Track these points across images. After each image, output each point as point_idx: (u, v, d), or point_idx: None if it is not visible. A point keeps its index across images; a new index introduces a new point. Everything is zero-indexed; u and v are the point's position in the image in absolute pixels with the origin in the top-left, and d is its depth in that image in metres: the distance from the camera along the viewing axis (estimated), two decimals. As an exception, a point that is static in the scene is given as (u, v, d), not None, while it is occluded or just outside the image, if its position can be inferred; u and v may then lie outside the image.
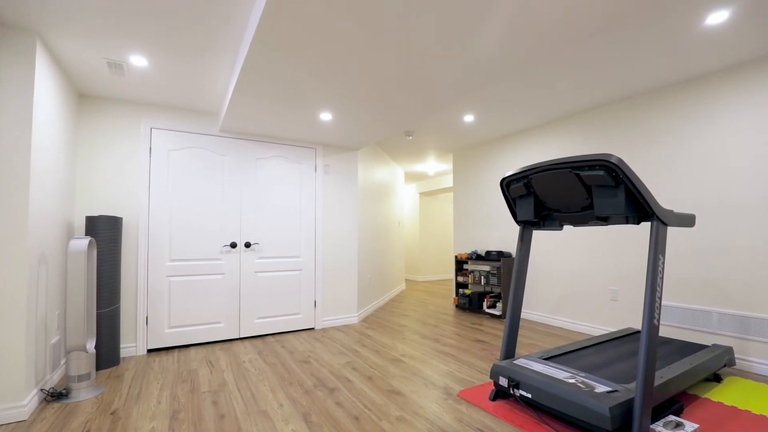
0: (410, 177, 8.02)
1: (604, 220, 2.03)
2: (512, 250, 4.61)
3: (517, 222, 2.44)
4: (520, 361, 2.23)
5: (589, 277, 3.78)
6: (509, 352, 2.36)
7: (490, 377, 2.24)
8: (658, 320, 1.76)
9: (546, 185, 2.08)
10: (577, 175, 1.91)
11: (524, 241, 2.42)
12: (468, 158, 5.35)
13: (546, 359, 2.36)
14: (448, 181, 7.45)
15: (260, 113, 3.13)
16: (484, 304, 4.66)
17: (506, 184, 2.32)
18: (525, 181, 2.18)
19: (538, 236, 4.32)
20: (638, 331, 3.07)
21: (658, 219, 1.82)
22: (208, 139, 3.55)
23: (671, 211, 1.89)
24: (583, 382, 1.90)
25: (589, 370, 2.17)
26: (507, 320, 2.37)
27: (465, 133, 4.62)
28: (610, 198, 1.85)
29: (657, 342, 1.74)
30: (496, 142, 4.89)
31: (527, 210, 2.27)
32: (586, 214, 2.06)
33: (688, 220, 2.01)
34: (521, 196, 2.29)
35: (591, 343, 2.71)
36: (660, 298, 1.77)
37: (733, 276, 2.82)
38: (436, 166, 6.77)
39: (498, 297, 4.68)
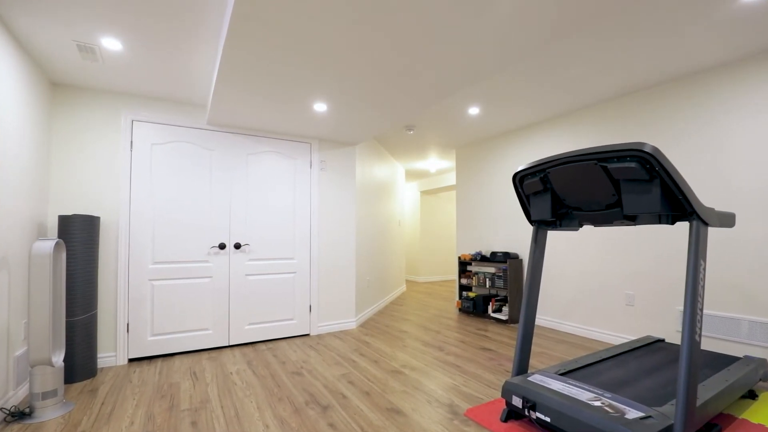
0: (411, 175, 7.77)
1: (632, 220, 1.79)
2: (519, 251, 4.36)
3: (531, 222, 2.20)
4: (536, 378, 1.99)
5: (603, 279, 3.54)
6: (522, 366, 2.11)
7: (502, 395, 2.00)
8: (700, 335, 1.52)
9: (566, 180, 1.83)
10: (604, 168, 1.67)
11: (538, 243, 2.17)
12: (472, 155, 5.10)
13: (563, 374, 2.12)
14: (450, 179, 7.21)
15: (248, 104, 2.88)
16: (489, 308, 4.42)
17: (519, 180, 2.08)
18: (541, 175, 1.93)
19: (547, 234, 4.08)
20: (659, 340, 2.83)
21: (699, 218, 1.58)
22: (194, 133, 3.31)
23: (712, 210, 1.65)
24: (610, 405, 1.66)
25: (614, 388, 1.92)
26: (520, 331, 2.13)
27: (469, 127, 4.38)
28: (642, 194, 1.61)
29: (699, 361, 1.50)
30: (502, 137, 4.64)
31: (543, 208, 2.03)
32: (611, 213, 1.82)
33: (728, 220, 1.77)
34: (536, 193, 2.05)
35: (610, 354, 2.47)
36: (701, 310, 1.53)
37: (764, 281, 2.58)
38: (437, 164, 6.53)
39: (504, 301, 4.43)
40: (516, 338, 3.61)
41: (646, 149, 1.51)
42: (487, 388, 2.46)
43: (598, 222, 1.91)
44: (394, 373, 2.74)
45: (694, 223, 1.58)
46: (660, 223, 1.69)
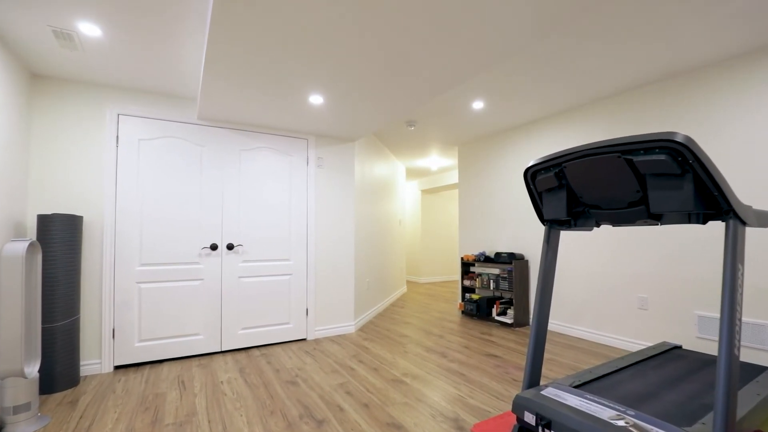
0: (412, 173, 7.60)
1: (657, 219, 1.62)
2: (525, 252, 4.19)
3: (543, 221, 2.03)
4: (549, 392, 1.82)
5: (614, 280, 3.37)
6: (534, 378, 1.95)
7: (513, 410, 1.83)
8: (739, 348, 1.35)
9: (584, 175, 1.67)
10: (629, 161, 1.50)
11: (551, 245, 2.00)
12: (475, 152, 4.93)
13: (579, 387, 1.95)
14: (452, 178, 7.04)
15: (239, 96, 2.72)
16: (494, 311, 4.25)
17: (531, 175, 1.91)
18: (557, 170, 1.76)
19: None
20: (676, 347, 2.66)
21: (737, 217, 1.41)
22: (184, 128, 3.14)
23: (750, 207, 1.48)
24: (635, 426, 1.49)
25: (635, 404, 1.76)
26: (531, 340, 1.96)
27: (472, 123, 4.21)
28: (672, 190, 1.44)
29: (738, 378, 1.33)
30: (507, 133, 4.47)
31: (557, 206, 1.86)
32: (634, 212, 1.65)
33: (766, 219, 1.60)
34: (550, 190, 1.88)
35: (627, 363, 2.30)
36: (741, 320, 1.36)
37: (792, 284, 2.41)
38: (439, 161, 6.36)
39: (509, 303, 4.27)
40: (522, 344, 3.45)
41: (678, 139, 1.34)
42: (495, 399, 2.29)
43: (618, 221, 1.74)
44: (394, 382, 2.57)
45: (731, 222, 1.41)
46: (689, 222, 1.52)
